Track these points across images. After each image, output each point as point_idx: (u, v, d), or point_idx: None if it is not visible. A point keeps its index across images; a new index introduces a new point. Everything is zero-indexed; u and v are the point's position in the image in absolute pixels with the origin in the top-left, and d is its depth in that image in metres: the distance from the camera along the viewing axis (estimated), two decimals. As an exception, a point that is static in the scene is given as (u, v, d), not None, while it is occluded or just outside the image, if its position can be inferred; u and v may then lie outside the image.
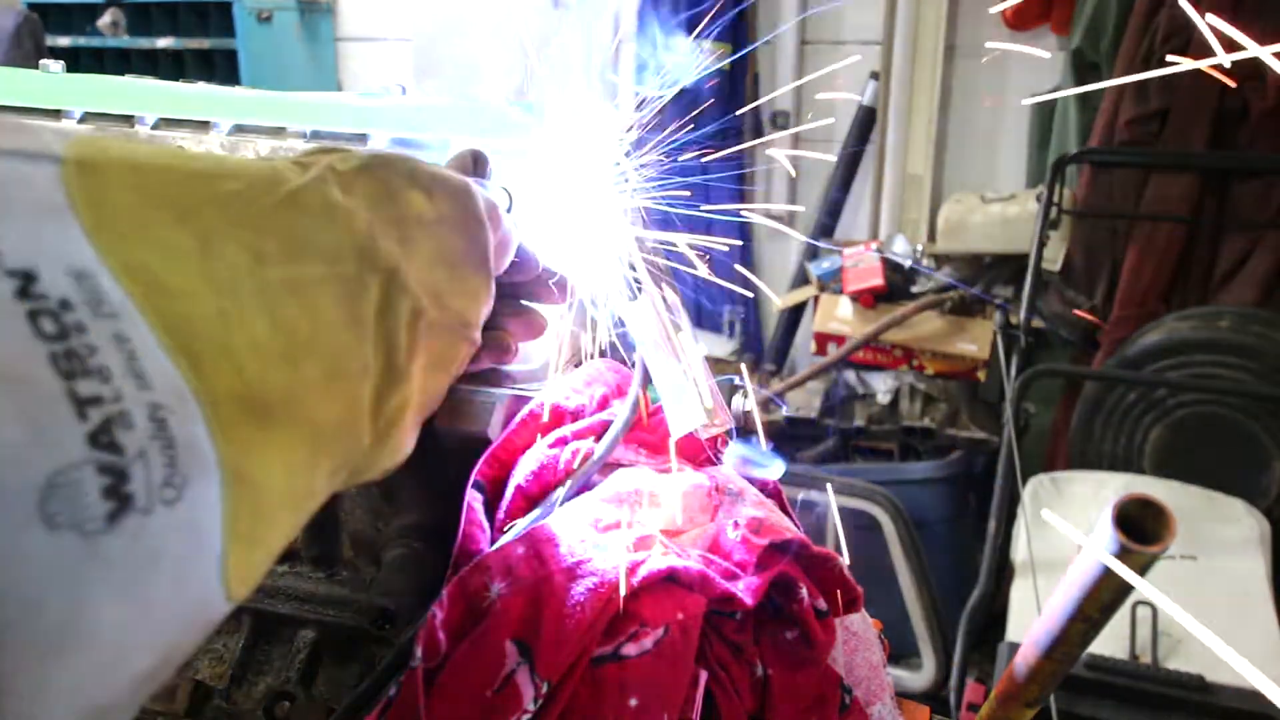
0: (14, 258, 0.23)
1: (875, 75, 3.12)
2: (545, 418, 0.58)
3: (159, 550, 0.24)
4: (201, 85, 0.74)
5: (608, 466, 0.58)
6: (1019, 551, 2.06)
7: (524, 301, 0.54)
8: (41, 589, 0.22)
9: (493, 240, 0.43)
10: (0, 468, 0.21)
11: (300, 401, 0.30)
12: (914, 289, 2.85)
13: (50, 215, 0.25)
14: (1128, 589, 0.41)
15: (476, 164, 0.54)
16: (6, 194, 0.24)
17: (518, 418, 0.58)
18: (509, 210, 0.51)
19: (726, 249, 0.65)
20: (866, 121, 3.18)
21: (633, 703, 0.46)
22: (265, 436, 0.28)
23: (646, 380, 0.56)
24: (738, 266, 0.74)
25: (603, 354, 0.74)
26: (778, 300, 3.32)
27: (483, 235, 0.42)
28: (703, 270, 0.64)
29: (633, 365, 0.59)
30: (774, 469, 0.60)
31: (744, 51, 3.24)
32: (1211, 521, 2.00)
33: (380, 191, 0.37)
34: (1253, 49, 0.53)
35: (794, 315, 3.31)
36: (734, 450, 0.58)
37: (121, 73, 0.75)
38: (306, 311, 0.31)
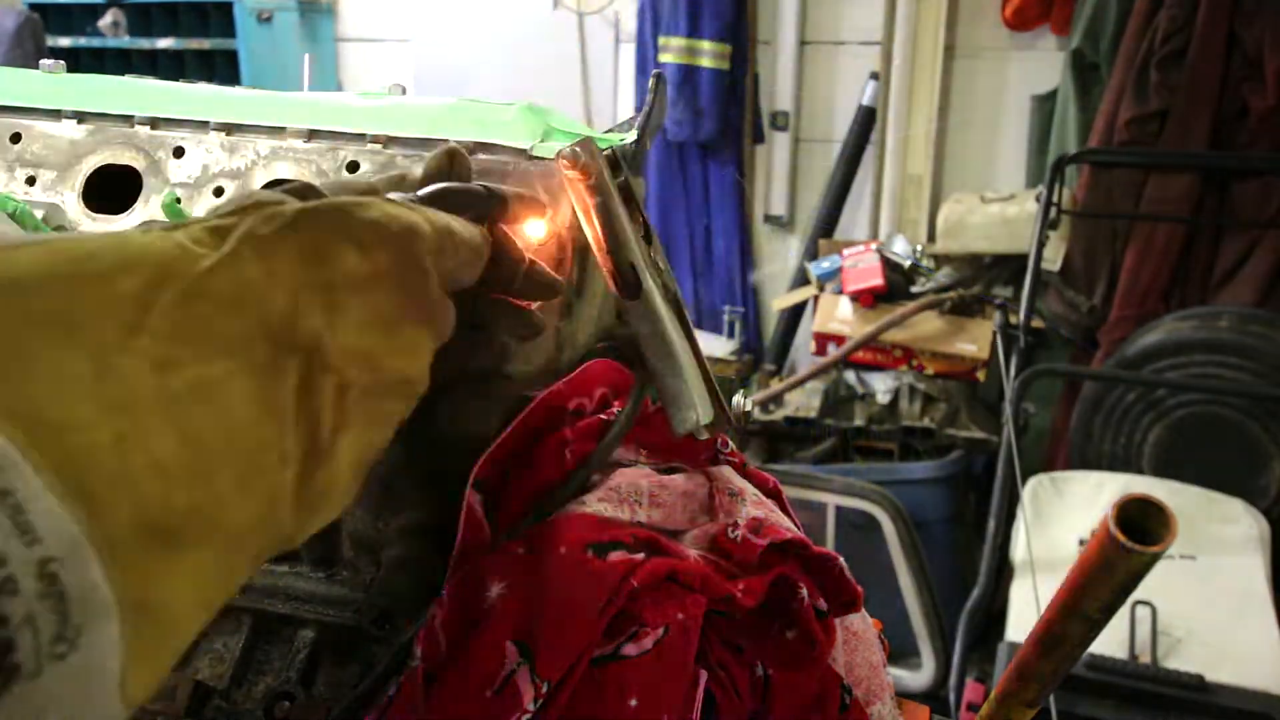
0: None
1: (875, 75, 3.12)
2: (545, 418, 0.58)
3: (48, 706, 0.23)
4: (201, 85, 0.74)
5: (608, 466, 0.58)
6: (1019, 551, 2.06)
7: (516, 300, 0.52)
8: None
9: (436, 281, 0.39)
10: None
11: (210, 515, 0.28)
12: (914, 289, 2.85)
13: None
14: (1128, 589, 0.41)
15: (454, 163, 0.52)
16: None
17: (518, 418, 0.58)
18: (490, 213, 0.49)
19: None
20: (866, 121, 3.18)
21: (633, 703, 0.46)
22: (171, 560, 0.27)
23: (646, 380, 0.56)
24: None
25: (602, 353, 0.74)
26: (775, 301, 3.32)
27: (425, 284, 0.38)
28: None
29: (633, 365, 0.59)
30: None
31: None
32: (1211, 521, 2.01)
33: (307, 253, 0.34)
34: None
35: (794, 315, 3.31)
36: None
37: (121, 73, 0.75)
38: (218, 416, 0.29)
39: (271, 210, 0.34)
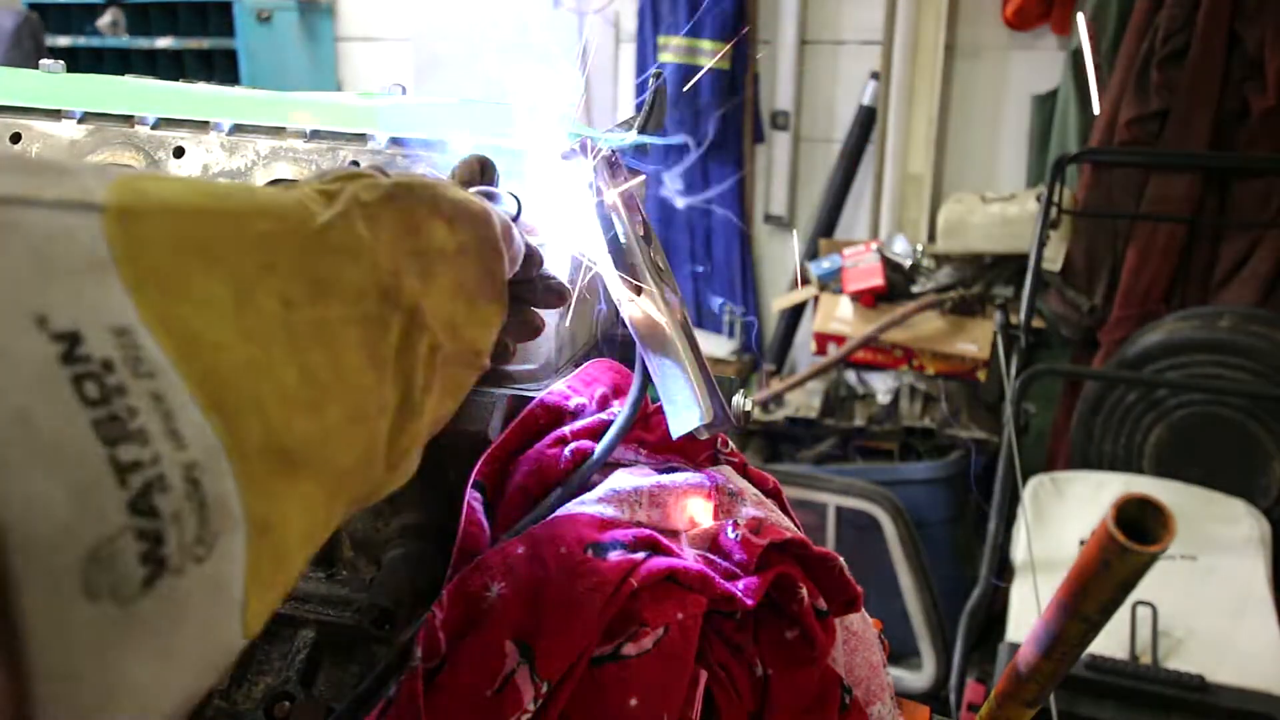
0: (60, 319, 0.23)
1: (875, 75, 3.12)
2: (545, 418, 0.58)
3: (188, 607, 0.25)
4: (201, 85, 0.74)
5: (608, 466, 0.58)
6: (1019, 551, 2.06)
7: (523, 301, 0.53)
8: (80, 661, 0.22)
9: (507, 264, 0.43)
10: (47, 548, 0.22)
11: (323, 448, 0.30)
12: (914, 289, 2.85)
13: (92, 271, 0.25)
14: (1128, 589, 0.41)
15: (484, 171, 0.54)
16: (52, 250, 0.24)
17: (518, 418, 0.58)
18: (517, 217, 0.51)
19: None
20: (866, 121, 3.18)
21: (633, 703, 0.46)
22: (289, 485, 0.28)
23: (646, 380, 0.56)
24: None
25: (601, 353, 0.74)
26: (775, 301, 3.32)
27: (499, 264, 0.42)
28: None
29: (633, 365, 0.59)
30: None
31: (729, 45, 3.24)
32: (1211, 521, 2.01)
33: (405, 223, 0.37)
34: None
35: (794, 315, 3.31)
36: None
37: (121, 73, 0.75)
38: (331, 356, 0.31)
39: (371, 180, 0.37)
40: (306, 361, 0.30)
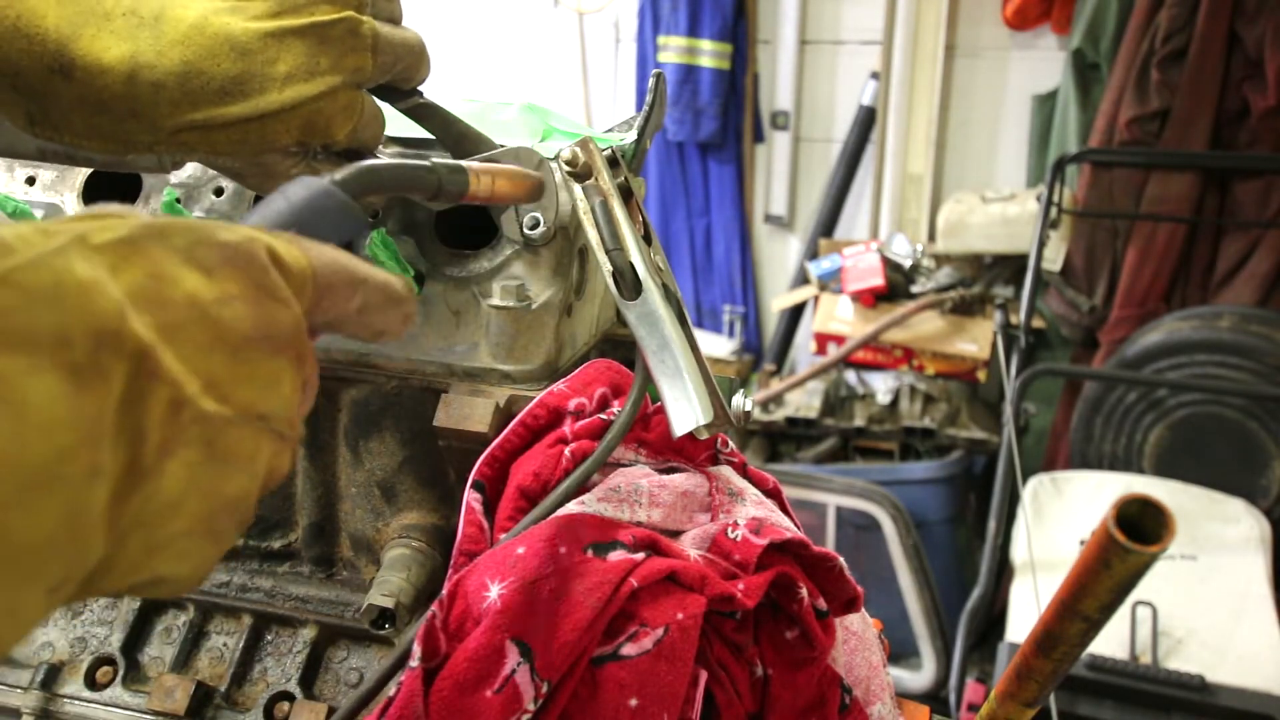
0: None
1: (875, 75, 3.12)
2: (545, 418, 0.58)
3: None
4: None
5: (608, 466, 0.58)
6: (1019, 551, 2.06)
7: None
8: None
9: (301, 315, 0.37)
10: None
11: None
12: (914, 289, 2.85)
13: None
14: (1128, 589, 0.41)
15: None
16: None
17: (518, 418, 0.58)
18: (354, 248, 0.45)
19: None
20: (866, 121, 3.18)
21: (633, 703, 0.46)
22: None
23: (646, 380, 0.56)
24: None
25: (602, 353, 0.74)
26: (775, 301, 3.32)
27: (281, 314, 0.36)
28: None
29: (633, 365, 0.59)
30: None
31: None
32: (1211, 521, 2.01)
33: (143, 268, 0.32)
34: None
35: (794, 315, 3.31)
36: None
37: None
38: (10, 416, 0.27)
39: (110, 221, 0.33)
40: None
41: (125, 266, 0.31)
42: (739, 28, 3.20)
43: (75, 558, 0.29)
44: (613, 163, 0.58)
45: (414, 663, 0.47)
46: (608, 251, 0.56)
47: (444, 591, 0.50)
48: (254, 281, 0.35)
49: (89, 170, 0.72)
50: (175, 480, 0.32)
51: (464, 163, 0.54)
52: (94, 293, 0.29)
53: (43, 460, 0.27)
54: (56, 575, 0.28)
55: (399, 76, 0.57)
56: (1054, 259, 2.67)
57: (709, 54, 3.19)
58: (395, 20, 0.57)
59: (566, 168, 0.57)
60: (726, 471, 0.60)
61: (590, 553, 0.49)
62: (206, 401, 0.32)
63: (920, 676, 2.43)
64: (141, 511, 0.31)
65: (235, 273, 0.34)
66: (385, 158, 0.61)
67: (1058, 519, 2.10)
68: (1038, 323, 2.75)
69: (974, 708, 1.90)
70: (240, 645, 0.66)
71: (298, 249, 0.38)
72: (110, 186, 0.72)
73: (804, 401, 2.77)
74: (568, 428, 0.58)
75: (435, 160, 0.52)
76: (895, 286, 2.86)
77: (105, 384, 0.29)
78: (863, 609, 0.59)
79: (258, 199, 0.68)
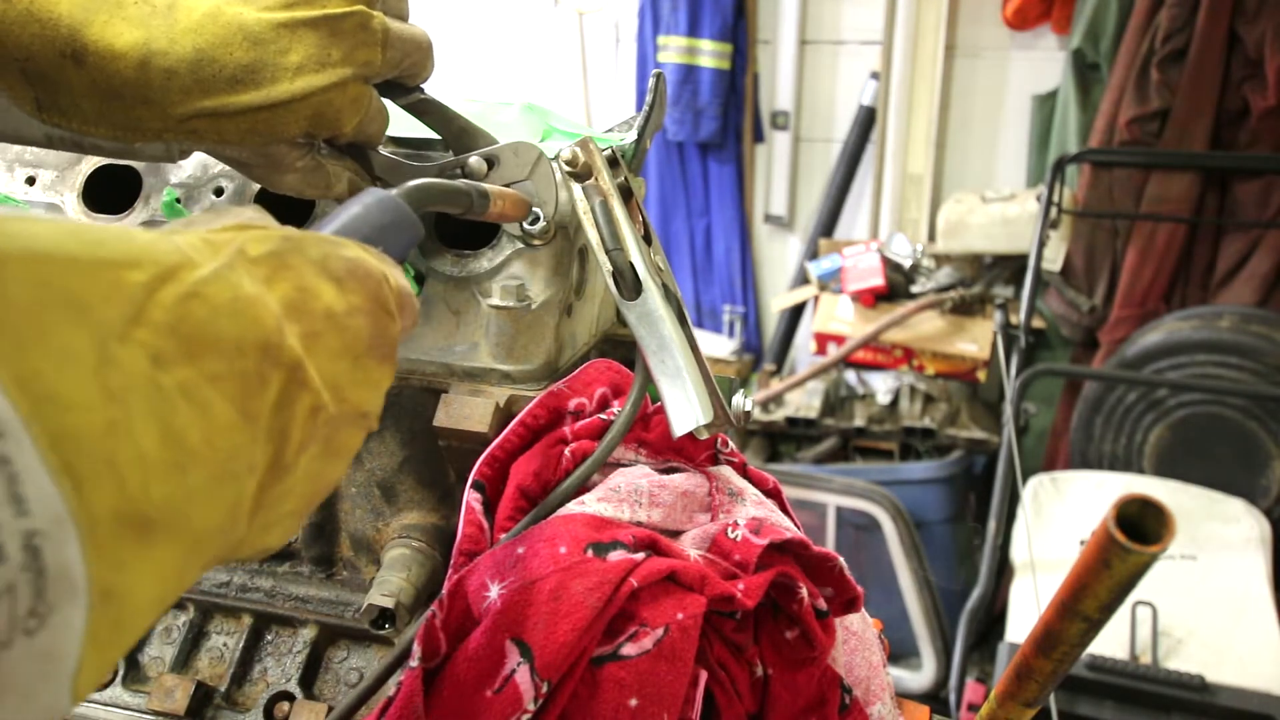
0: None
1: (875, 75, 3.12)
2: (545, 418, 0.58)
3: (12, 680, 0.24)
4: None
5: (608, 466, 0.58)
6: (1019, 551, 2.06)
7: None
8: None
9: (399, 327, 0.42)
10: None
11: (183, 510, 0.29)
12: (914, 289, 2.85)
13: None
14: (1128, 589, 0.41)
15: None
16: None
17: (518, 418, 0.58)
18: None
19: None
20: (866, 121, 3.18)
21: (632, 703, 0.46)
22: (141, 551, 0.27)
23: (647, 380, 0.56)
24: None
25: (602, 353, 0.74)
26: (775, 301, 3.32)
27: (391, 327, 0.41)
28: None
29: (633, 365, 0.59)
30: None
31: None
32: (1211, 521, 2.01)
33: (291, 281, 0.36)
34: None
35: (794, 315, 3.31)
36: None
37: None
38: (200, 415, 0.30)
39: (261, 233, 0.36)
40: (172, 422, 0.29)
41: (277, 279, 0.35)
42: (739, 28, 3.20)
43: (228, 540, 0.33)
44: (613, 163, 0.58)
45: (414, 663, 0.47)
46: (608, 251, 0.56)
47: (444, 591, 0.50)
48: (372, 295, 0.39)
49: (89, 170, 0.72)
50: (303, 475, 0.36)
51: (485, 186, 0.56)
52: (259, 307, 0.33)
53: (224, 457, 0.31)
54: (209, 557, 0.32)
55: (405, 73, 0.58)
56: (1054, 259, 2.67)
57: (709, 54, 3.19)
58: (403, 17, 0.57)
59: (566, 168, 0.57)
60: (726, 471, 0.60)
61: (590, 553, 0.49)
62: (333, 404, 0.36)
63: (920, 676, 2.43)
64: (275, 501, 0.35)
65: (359, 285, 0.39)
66: (385, 155, 0.61)
67: (1058, 519, 2.10)
68: (1038, 323, 2.76)
69: (974, 708, 1.90)
70: (240, 645, 0.66)
71: (394, 267, 0.43)
72: (110, 186, 0.72)
73: (804, 401, 2.77)
74: (568, 428, 0.58)
75: (465, 182, 0.55)
76: (895, 286, 2.86)
77: (265, 390, 0.33)
78: (863, 609, 0.59)
79: (259, 196, 0.68)
